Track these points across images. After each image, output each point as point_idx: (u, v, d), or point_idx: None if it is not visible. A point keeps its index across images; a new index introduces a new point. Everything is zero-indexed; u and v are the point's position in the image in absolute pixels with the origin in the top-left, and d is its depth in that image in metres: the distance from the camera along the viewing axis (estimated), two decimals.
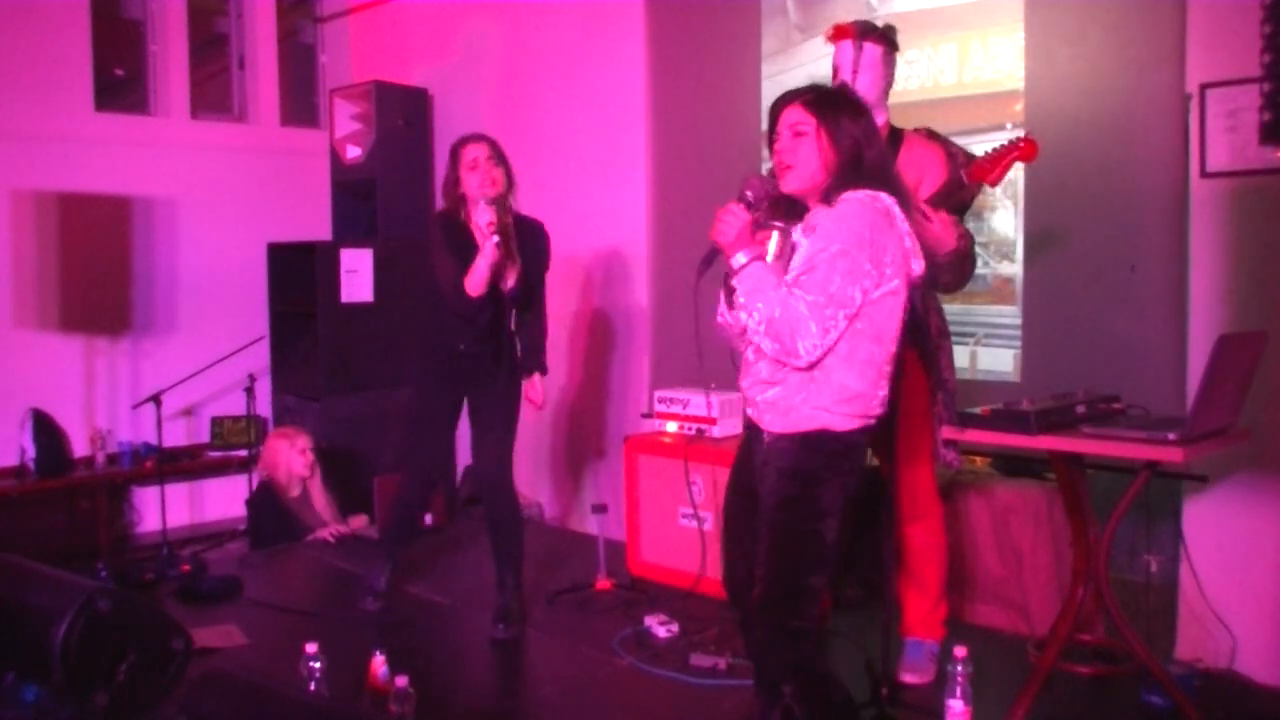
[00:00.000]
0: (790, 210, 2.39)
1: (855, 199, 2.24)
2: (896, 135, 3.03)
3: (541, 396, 3.86)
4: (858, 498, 2.42)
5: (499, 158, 3.59)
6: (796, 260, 2.27)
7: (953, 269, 2.88)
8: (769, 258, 2.34)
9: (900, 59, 3.10)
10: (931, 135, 3.13)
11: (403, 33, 6.23)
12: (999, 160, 2.80)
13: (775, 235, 2.37)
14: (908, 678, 3.09)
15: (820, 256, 2.19)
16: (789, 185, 2.33)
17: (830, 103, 2.33)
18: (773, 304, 2.20)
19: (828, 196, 2.29)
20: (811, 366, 2.24)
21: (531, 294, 3.68)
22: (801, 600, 2.30)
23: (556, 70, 5.33)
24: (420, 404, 3.81)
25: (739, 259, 2.26)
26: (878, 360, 2.27)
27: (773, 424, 2.33)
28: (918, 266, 2.32)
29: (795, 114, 2.32)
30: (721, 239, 2.27)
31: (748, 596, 2.43)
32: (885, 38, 3.01)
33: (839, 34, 3.03)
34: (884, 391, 2.32)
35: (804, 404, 2.27)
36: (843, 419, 2.27)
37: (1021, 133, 2.86)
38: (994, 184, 2.88)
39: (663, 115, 4.78)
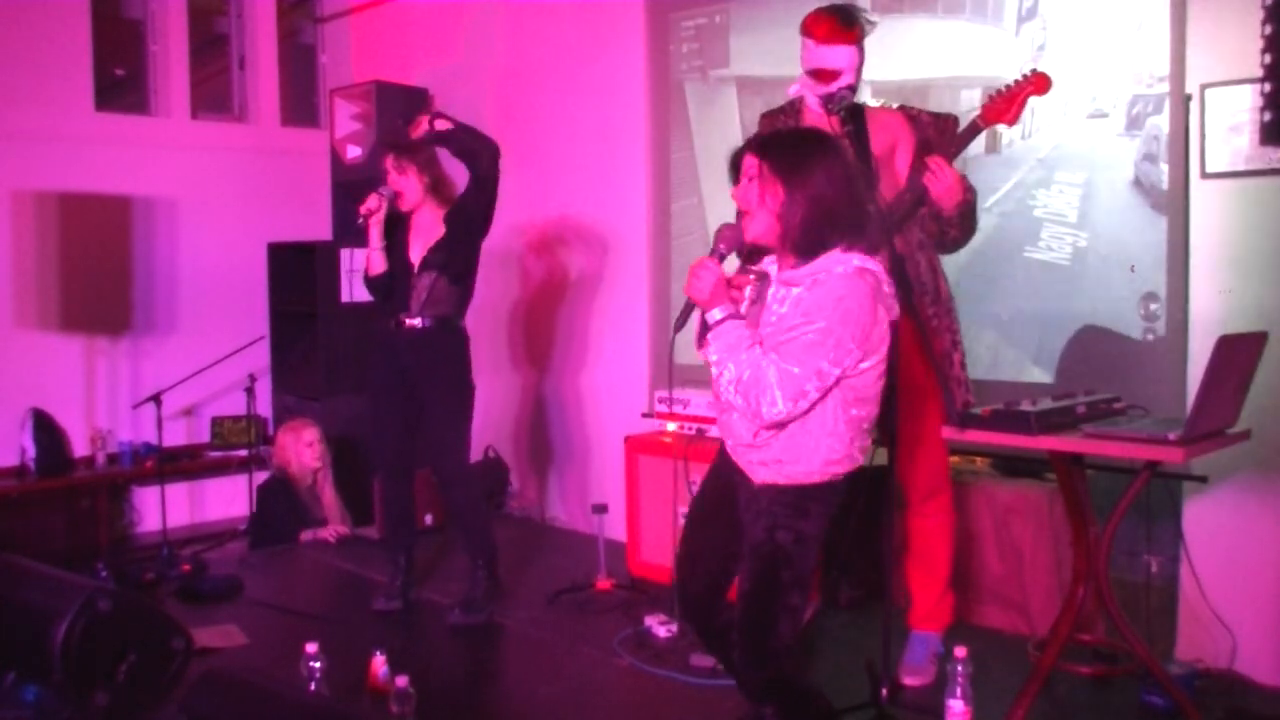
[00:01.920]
0: (765, 254, 2.37)
1: (847, 274, 2.17)
2: (858, 111, 2.93)
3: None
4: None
5: (403, 165, 3.80)
6: (775, 312, 2.25)
7: (961, 222, 2.86)
8: (744, 304, 2.33)
9: None
10: (888, 106, 3.14)
11: (403, 33, 6.22)
12: (1013, 98, 2.70)
13: (752, 282, 2.36)
14: (908, 680, 3.08)
15: (804, 330, 2.16)
16: (750, 233, 2.28)
17: (776, 147, 2.27)
18: (743, 366, 2.19)
19: (798, 247, 2.23)
20: (778, 426, 2.23)
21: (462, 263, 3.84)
22: (782, 619, 2.30)
23: (557, 70, 5.32)
24: (370, 394, 4.03)
25: (714, 314, 2.24)
26: (859, 421, 2.29)
27: (760, 477, 2.33)
28: (894, 311, 2.30)
29: (749, 161, 2.28)
30: (696, 295, 2.24)
31: (708, 612, 2.51)
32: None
33: (838, 38, 2.91)
34: (865, 441, 2.34)
35: (790, 466, 2.28)
36: (830, 475, 2.30)
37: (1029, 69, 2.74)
38: (1011, 123, 2.76)
39: (662, 114, 4.77)
